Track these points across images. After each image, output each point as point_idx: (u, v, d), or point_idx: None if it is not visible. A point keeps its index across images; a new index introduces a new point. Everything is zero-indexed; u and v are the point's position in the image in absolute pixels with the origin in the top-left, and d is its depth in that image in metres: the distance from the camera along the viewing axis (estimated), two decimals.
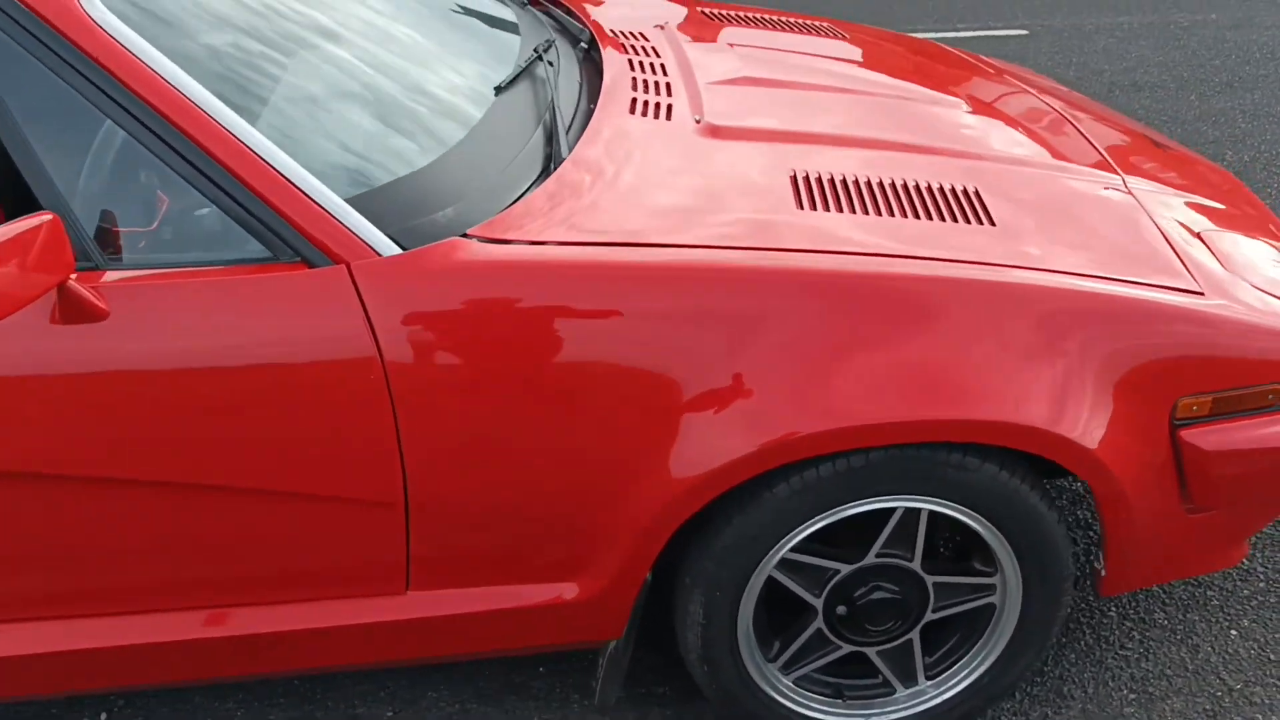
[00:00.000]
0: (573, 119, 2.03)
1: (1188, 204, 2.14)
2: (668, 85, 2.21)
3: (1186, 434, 1.79)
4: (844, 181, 1.91)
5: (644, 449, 1.67)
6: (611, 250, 1.66)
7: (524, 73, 2.09)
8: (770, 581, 1.83)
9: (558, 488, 1.69)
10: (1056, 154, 2.18)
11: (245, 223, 1.57)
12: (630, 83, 2.20)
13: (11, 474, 1.56)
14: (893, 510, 1.79)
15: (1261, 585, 2.35)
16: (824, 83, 2.31)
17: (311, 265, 1.58)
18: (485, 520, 1.71)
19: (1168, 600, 2.31)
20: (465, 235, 1.64)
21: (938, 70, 2.60)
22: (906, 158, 2.03)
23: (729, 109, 2.11)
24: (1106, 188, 2.07)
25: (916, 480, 1.73)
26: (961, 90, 2.45)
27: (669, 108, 2.11)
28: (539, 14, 2.57)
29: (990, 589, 1.88)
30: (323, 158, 1.67)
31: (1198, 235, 2.00)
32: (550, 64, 2.13)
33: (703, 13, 2.82)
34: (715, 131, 2.03)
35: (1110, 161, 2.20)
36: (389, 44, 1.99)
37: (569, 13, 2.59)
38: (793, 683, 1.94)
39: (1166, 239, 1.94)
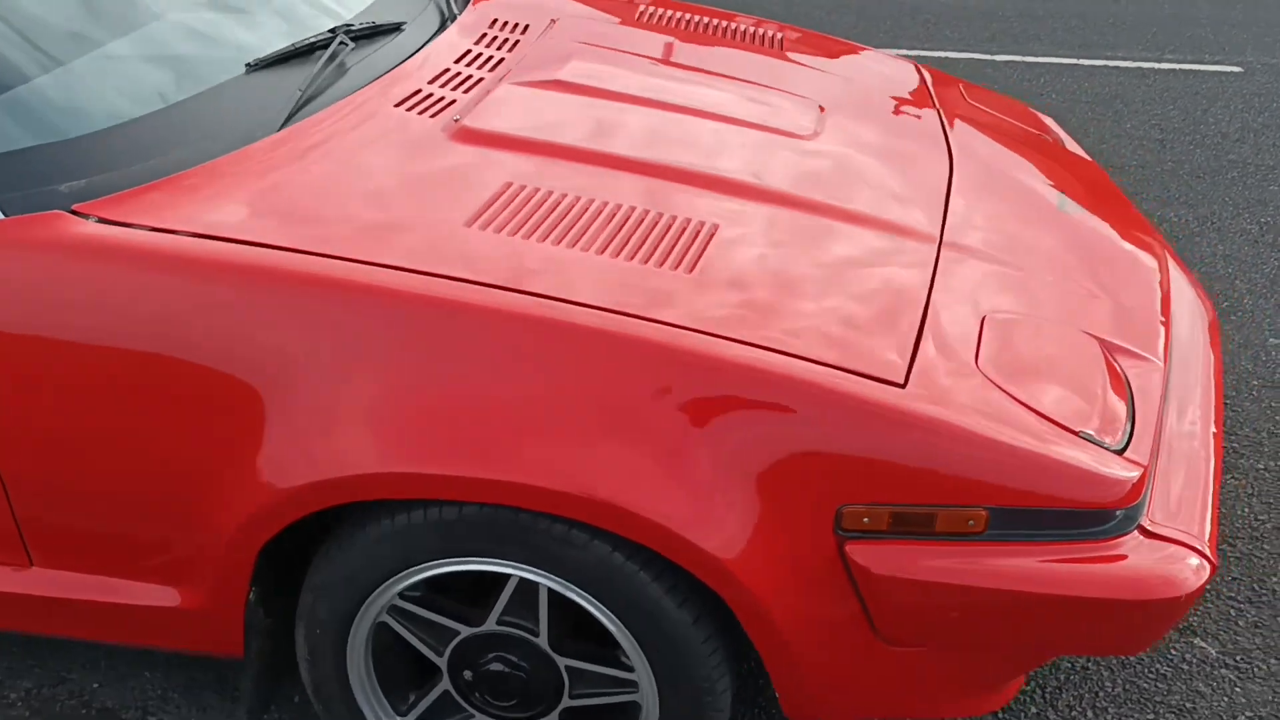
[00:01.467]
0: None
1: (1019, 284, 1.78)
2: (475, 81, 2.06)
3: (853, 549, 1.49)
4: (556, 203, 1.70)
5: (226, 460, 1.56)
6: (216, 246, 1.54)
7: (310, 51, 1.99)
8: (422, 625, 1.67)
9: (143, 485, 1.60)
10: (877, 207, 1.86)
11: None
12: (435, 74, 2.06)
13: None
14: (509, 576, 1.58)
15: None
16: (657, 98, 2.08)
17: None
18: (83, 507, 1.65)
19: None
20: (73, 210, 1.57)
21: (845, 93, 2.30)
22: (663, 185, 1.80)
23: (506, 113, 1.93)
24: (898, 252, 1.76)
25: (516, 547, 1.53)
26: (840, 119, 2.15)
27: (448, 105, 1.95)
28: None
29: (633, 685, 1.64)
30: None
31: (981, 320, 1.66)
32: (344, 45, 2.02)
33: (645, 12, 2.61)
34: (465, 134, 1.86)
35: (940, 223, 1.86)
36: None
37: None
38: None
39: (922, 320, 1.62)
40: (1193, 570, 1.49)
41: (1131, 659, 2.12)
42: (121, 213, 1.58)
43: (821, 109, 2.17)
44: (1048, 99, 5.13)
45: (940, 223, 1.86)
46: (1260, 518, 2.47)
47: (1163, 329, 1.83)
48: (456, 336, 1.48)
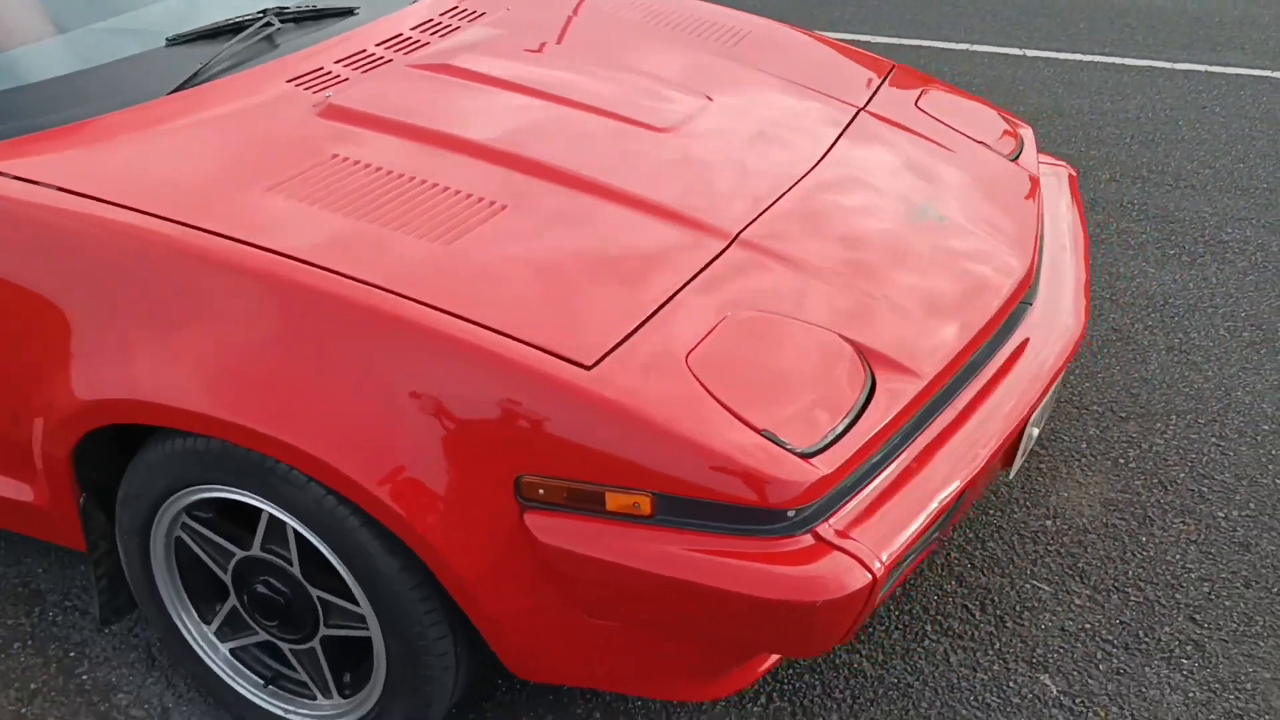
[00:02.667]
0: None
1: (799, 287, 1.78)
2: (382, 62, 2.23)
3: (530, 519, 1.57)
4: (365, 176, 1.86)
5: (44, 374, 1.80)
6: (50, 193, 1.78)
7: (239, 29, 2.22)
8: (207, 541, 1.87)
9: None
10: (684, 202, 1.90)
11: None
12: (346, 55, 2.24)
13: None
14: (262, 509, 1.76)
15: None
16: (537, 87, 2.17)
17: None
18: None
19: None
20: None
21: (753, 89, 2.32)
22: (481, 165, 1.92)
23: (379, 94, 2.09)
24: (678, 246, 1.80)
25: (252, 481, 1.69)
26: (721, 115, 2.19)
27: (336, 84, 2.14)
28: None
29: (365, 621, 1.78)
30: None
31: (721, 318, 1.69)
32: (269, 24, 2.24)
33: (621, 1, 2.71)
34: (332, 111, 2.04)
35: (746, 222, 1.88)
36: None
37: None
38: (229, 653, 1.97)
39: (654, 312, 1.66)
40: (844, 582, 1.48)
41: (961, 683, 2.06)
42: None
43: (709, 100, 2.20)
44: (1210, 111, 4.78)
45: (747, 221, 1.88)
46: (1189, 567, 2.32)
47: (955, 348, 1.78)
48: (198, 282, 1.66)
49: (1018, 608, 2.22)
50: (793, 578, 1.48)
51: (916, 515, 1.60)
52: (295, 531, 1.74)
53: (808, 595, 1.47)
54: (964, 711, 2.01)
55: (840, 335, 1.71)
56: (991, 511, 2.47)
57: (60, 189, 1.79)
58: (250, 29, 2.22)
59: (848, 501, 1.58)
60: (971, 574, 2.31)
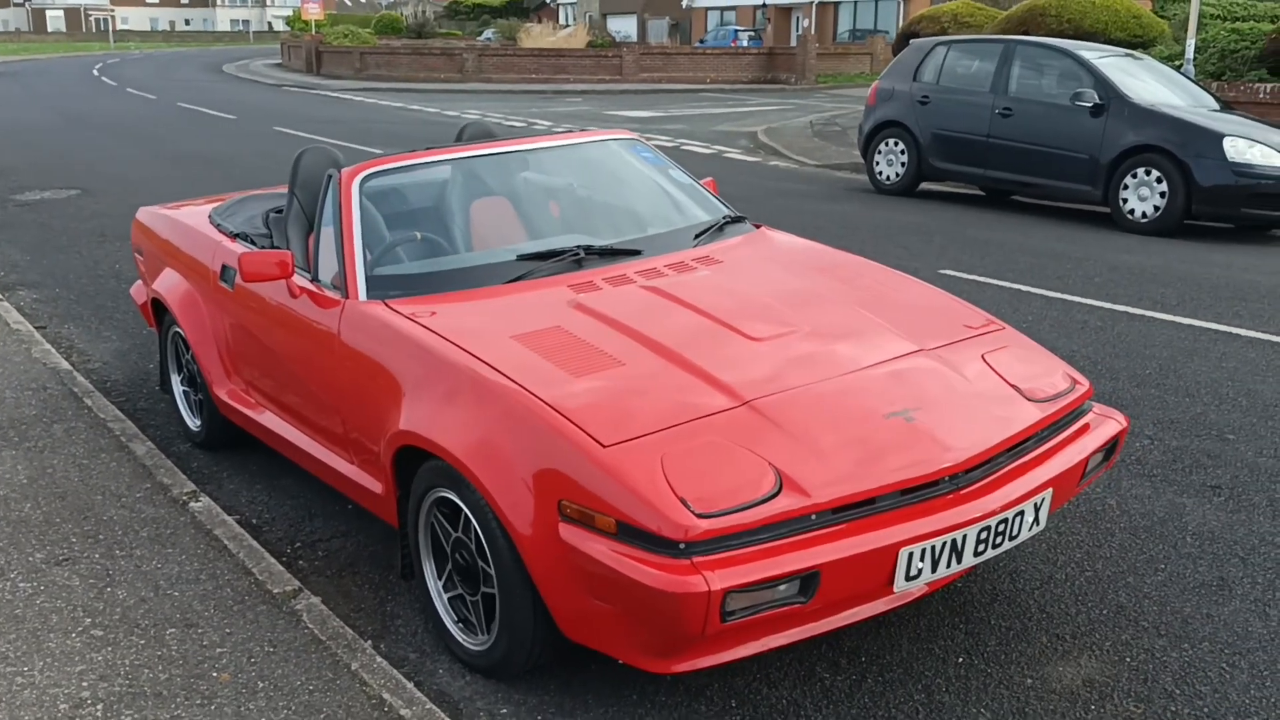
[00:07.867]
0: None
1: (765, 432, 2.91)
2: (627, 282, 3.69)
3: (560, 527, 2.85)
4: (564, 338, 3.29)
5: (388, 414, 3.40)
6: (414, 327, 3.43)
7: (562, 254, 3.81)
8: (442, 526, 3.34)
9: (368, 419, 3.51)
10: (732, 377, 3.10)
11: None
12: (611, 276, 3.73)
13: None
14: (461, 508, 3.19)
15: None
16: (700, 306, 3.47)
17: (345, 296, 3.71)
18: (359, 430, 3.61)
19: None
20: (385, 303, 3.59)
21: (845, 322, 3.45)
22: (628, 340, 3.27)
23: (611, 300, 3.53)
24: (709, 398, 3.02)
25: (458, 488, 3.12)
26: (808, 336, 3.35)
27: (592, 290, 3.62)
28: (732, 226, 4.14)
29: (493, 584, 3.11)
30: (393, 252, 3.77)
31: (703, 440, 2.87)
32: (577, 255, 3.80)
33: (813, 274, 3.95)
34: (579, 306, 3.51)
35: (763, 395, 3.03)
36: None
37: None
38: (447, 600, 3.39)
39: (665, 429, 2.88)
40: (691, 588, 2.56)
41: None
42: (398, 306, 3.54)
43: (799, 331, 3.39)
44: None
45: (761, 395, 3.03)
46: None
47: (851, 490, 2.78)
48: (463, 381, 3.16)
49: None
50: (665, 578, 2.60)
51: (761, 574, 2.63)
52: (474, 525, 3.14)
53: (669, 588, 2.58)
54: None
55: (769, 463, 2.81)
56: (1010, 666, 3.25)
57: (421, 325, 3.41)
58: (567, 255, 3.79)
59: (723, 552, 2.66)
60: (948, 681, 3.13)
